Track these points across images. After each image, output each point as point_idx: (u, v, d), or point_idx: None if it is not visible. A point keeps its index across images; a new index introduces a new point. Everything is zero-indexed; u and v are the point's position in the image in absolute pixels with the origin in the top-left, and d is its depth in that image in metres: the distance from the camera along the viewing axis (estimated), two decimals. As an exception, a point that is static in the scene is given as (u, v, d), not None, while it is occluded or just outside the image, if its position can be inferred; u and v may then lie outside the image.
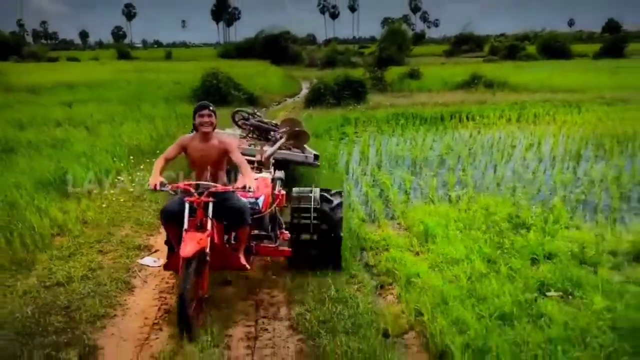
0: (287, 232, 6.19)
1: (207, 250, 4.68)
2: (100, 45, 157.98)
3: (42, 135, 12.91)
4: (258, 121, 10.05)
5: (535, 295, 4.93)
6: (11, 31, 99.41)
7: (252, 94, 22.17)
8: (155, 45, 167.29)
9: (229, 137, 6.03)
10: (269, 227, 6.10)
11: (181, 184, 5.09)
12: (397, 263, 5.89)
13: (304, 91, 27.78)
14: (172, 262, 4.95)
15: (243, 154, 5.71)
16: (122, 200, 8.46)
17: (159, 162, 5.17)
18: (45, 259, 6.12)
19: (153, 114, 16.49)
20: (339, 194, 6.17)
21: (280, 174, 7.08)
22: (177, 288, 4.48)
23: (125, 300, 5.23)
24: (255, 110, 11.19)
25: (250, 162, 6.76)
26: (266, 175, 6.71)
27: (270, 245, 5.95)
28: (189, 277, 4.42)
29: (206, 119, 5.15)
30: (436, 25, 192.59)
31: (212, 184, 5.08)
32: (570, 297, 4.97)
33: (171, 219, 4.99)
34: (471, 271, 5.47)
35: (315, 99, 20.88)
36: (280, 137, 9.05)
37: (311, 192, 6.01)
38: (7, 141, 12.22)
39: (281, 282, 5.68)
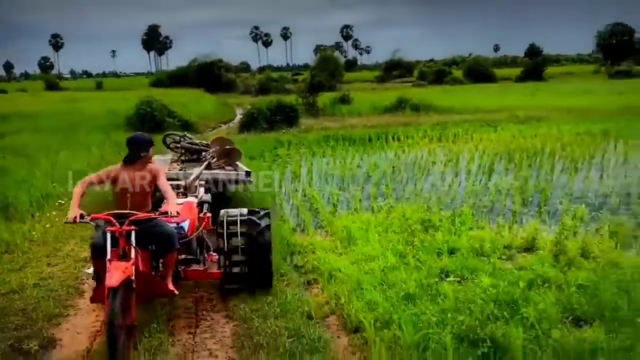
0: (215, 254, 6.18)
1: (133, 278, 4.63)
2: (26, 76, 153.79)
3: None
4: (189, 143, 10.28)
5: (436, 280, 5.79)
6: None
7: (187, 121, 22.72)
8: (85, 76, 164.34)
9: (157, 163, 6.15)
10: (197, 251, 6.13)
11: (101, 215, 5.00)
12: (322, 262, 6.64)
13: (239, 117, 28.46)
14: (98, 293, 4.90)
15: (168, 179, 5.80)
16: (64, 220, 8.89)
17: (78, 191, 5.11)
18: (-4, 272, 6.56)
19: (88, 142, 16.78)
20: (267, 215, 6.14)
21: (207, 197, 7.18)
22: (105, 317, 4.46)
23: (76, 302, 5.76)
24: (185, 133, 11.40)
25: (175, 187, 6.90)
26: (191, 199, 6.74)
27: (198, 269, 5.95)
28: (116, 307, 4.41)
29: (143, 153, 5.20)
30: (368, 52, 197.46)
31: (133, 212, 5.01)
32: (465, 280, 5.85)
33: (98, 251, 4.89)
34: (384, 264, 6.29)
35: (249, 123, 21.66)
36: (211, 157, 9.39)
37: (238, 215, 5.97)
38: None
39: (217, 282, 6.27)
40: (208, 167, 9.11)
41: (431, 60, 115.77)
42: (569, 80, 56.91)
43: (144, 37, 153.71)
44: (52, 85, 71.57)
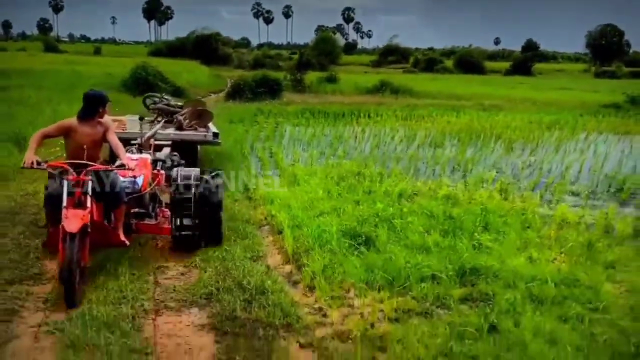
0: (167, 210, 6.50)
1: (88, 226, 4.94)
2: (23, 36, 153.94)
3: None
4: (165, 104, 10.71)
5: (346, 205, 7.71)
6: None
7: (179, 87, 24.44)
8: (83, 40, 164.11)
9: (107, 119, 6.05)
10: (149, 206, 6.39)
11: (58, 162, 5.31)
12: (268, 194, 8.53)
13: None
14: (51, 239, 5.25)
15: (126, 138, 6.60)
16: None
17: (35, 139, 5.40)
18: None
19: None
20: (219, 175, 6.52)
21: (161, 154, 7.60)
22: (61, 260, 4.81)
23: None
24: (163, 95, 11.93)
25: (131, 143, 7.29)
26: (146, 156, 6.91)
27: (150, 223, 6.29)
28: (73, 250, 4.73)
29: (98, 110, 5.50)
30: (369, 37, 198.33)
31: (90, 162, 5.28)
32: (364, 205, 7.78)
33: (55, 203, 5.14)
34: (314, 196, 8.19)
35: (235, 93, 23.53)
36: (184, 119, 9.90)
37: (191, 173, 6.28)
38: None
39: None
40: (180, 127, 9.70)
41: (430, 49, 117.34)
42: (555, 77, 58.71)
43: (145, 6, 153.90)
44: (51, 47, 72.47)
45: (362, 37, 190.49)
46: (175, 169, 6.58)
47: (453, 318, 4.79)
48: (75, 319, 4.52)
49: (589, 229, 7.48)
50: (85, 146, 5.37)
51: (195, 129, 9.96)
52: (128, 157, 5.68)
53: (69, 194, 5.03)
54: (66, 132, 5.49)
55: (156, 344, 4.31)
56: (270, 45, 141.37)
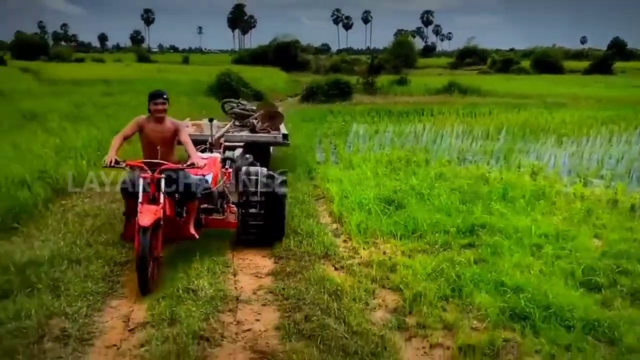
0: (234, 206, 6.94)
1: (161, 220, 5.38)
2: (117, 48, 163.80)
3: (99, 114, 17.35)
4: (241, 109, 11.42)
5: (388, 181, 9.30)
6: (33, 32, 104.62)
7: (259, 92, 26.65)
8: (172, 50, 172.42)
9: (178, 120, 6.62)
10: (218, 202, 6.77)
11: (135, 162, 5.68)
12: (327, 175, 10.25)
13: (305, 92, 32.28)
14: (128, 232, 5.71)
15: (197, 139, 7.12)
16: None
17: (116, 140, 5.83)
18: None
19: (177, 102, 20.95)
20: (284, 174, 7.04)
21: (230, 154, 8.05)
22: (137, 251, 5.15)
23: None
24: (240, 100, 12.54)
25: (203, 142, 8.02)
26: (216, 154, 7.41)
27: (218, 218, 6.70)
28: (147, 242, 5.09)
29: (160, 106, 5.89)
30: (449, 39, 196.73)
31: (164, 161, 5.66)
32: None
33: (129, 194, 5.63)
34: (363, 176, 9.85)
35: (309, 96, 25.50)
36: (257, 122, 10.76)
37: (257, 172, 6.74)
38: (76, 113, 16.73)
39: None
40: (253, 130, 10.46)
41: (511, 50, 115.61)
42: (637, 76, 57.17)
43: (230, 16, 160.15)
44: (143, 57, 77.83)
45: (441, 40, 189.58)
46: (243, 167, 7.06)
47: (452, 255, 6.33)
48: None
49: (595, 202, 8.72)
50: (158, 145, 5.81)
51: (268, 131, 10.68)
52: (198, 156, 6.09)
53: (144, 190, 5.45)
54: (140, 129, 5.93)
55: (233, 263, 6.15)
56: (349, 50, 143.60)
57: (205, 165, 6.21)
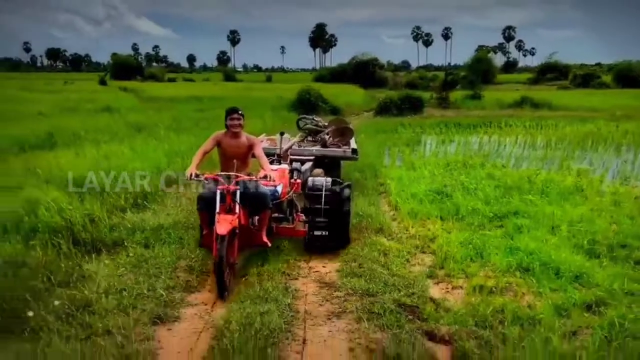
0: (302, 215, 7.35)
1: (237, 229, 5.78)
2: (205, 68, 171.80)
3: (194, 126, 19.70)
4: (314, 125, 11.96)
5: (445, 178, 10.81)
6: (128, 54, 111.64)
7: (336, 107, 28.61)
8: (255, 70, 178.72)
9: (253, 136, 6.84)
10: (287, 211, 7.24)
11: (212, 175, 6.14)
12: (390, 175, 11.85)
13: (381, 107, 33.96)
14: (206, 240, 6.14)
15: (267, 151, 7.58)
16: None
17: (197, 156, 6.32)
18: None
19: (262, 115, 23.19)
20: (348, 186, 7.46)
21: (297, 165, 8.39)
22: (214, 258, 5.61)
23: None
24: (314, 116, 13.08)
25: (272, 154, 8.51)
26: (284, 166, 7.79)
27: (288, 226, 7.14)
28: (224, 249, 5.47)
29: (236, 122, 6.33)
30: (532, 54, 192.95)
31: (238, 174, 6.07)
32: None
33: (206, 206, 6.01)
34: (420, 175, 11.40)
35: (383, 110, 27.18)
36: (328, 137, 11.27)
37: (323, 183, 7.20)
38: (176, 125, 19.17)
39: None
40: (324, 145, 10.90)
41: (597, 64, 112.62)
42: None
43: (311, 35, 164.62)
44: (229, 76, 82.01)
45: (524, 55, 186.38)
46: (310, 179, 7.53)
47: (484, 231, 7.82)
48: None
49: (625, 196, 9.88)
50: (234, 158, 6.25)
51: (338, 146, 11.11)
52: (271, 169, 6.41)
53: (221, 201, 5.87)
54: (218, 143, 6.39)
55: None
56: (429, 67, 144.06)
57: (275, 177, 6.60)
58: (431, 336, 4.94)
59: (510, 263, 6.48)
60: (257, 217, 6.40)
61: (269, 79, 79.26)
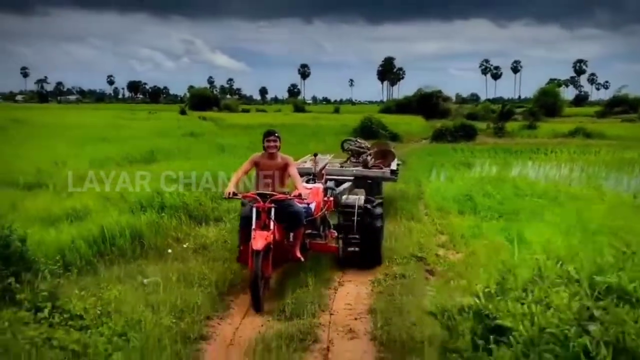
0: (334, 231, 7.62)
1: (272, 244, 6.00)
2: (276, 100, 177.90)
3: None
4: (357, 146, 12.66)
5: (470, 193, 13.13)
6: (204, 87, 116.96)
7: (396, 134, 31.21)
8: (324, 102, 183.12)
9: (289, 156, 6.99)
10: (320, 228, 7.46)
11: (249, 194, 6.43)
12: (431, 186, 14.23)
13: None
14: (242, 255, 6.39)
15: (300, 171, 7.72)
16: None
17: (236, 175, 6.69)
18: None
19: (325, 141, 26.01)
20: (381, 205, 8.02)
21: (331, 184, 8.81)
22: (250, 272, 5.89)
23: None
24: (357, 139, 14.02)
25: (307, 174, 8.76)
26: (319, 185, 8.03)
27: (320, 242, 7.38)
28: (259, 264, 5.73)
29: (272, 143, 6.66)
30: (606, 88, 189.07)
31: (273, 192, 6.30)
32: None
33: (246, 223, 6.26)
34: (454, 186, 13.74)
35: (438, 137, 29.63)
36: (371, 158, 11.75)
37: (355, 202, 7.70)
38: (252, 147, 22.17)
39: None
40: (365, 166, 11.39)
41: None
42: None
43: (380, 69, 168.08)
44: (299, 108, 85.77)
45: (597, 89, 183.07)
46: (344, 196, 8.03)
47: (491, 221, 10.14)
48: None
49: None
50: (270, 178, 6.58)
51: (380, 167, 11.58)
52: (304, 187, 6.68)
53: (257, 218, 6.11)
54: (256, 164, 6.78)
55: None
56: (498, 100, 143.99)
57: (308, 195, 6.91)
58: (430, 272, 7.41)
59: (505, 235, 8.74)
60: (291, 234, 6.68)
61: (336, 110, 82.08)
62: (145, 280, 6.26)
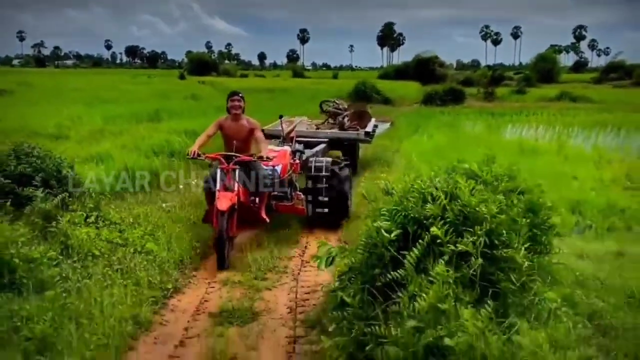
0: (301, 193, 7.66)
1: (236, 205, 6.16)
2: (274, 66, 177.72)
3: (268, 109, 24.06)
4: (334, 108, 12.61)
5: (442, 147, 14.69)
6: (202, 52, 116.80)
7: (388, 98, 32.62)
8: (324, 68, 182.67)
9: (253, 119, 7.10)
10: (287, 190, 7.50)
11: (212, 155, 6.50)
12: (410, 140, 15.77)
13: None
14: (208, 215, 6.46)
15: (270, 133, 8.49)
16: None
17: (200, 138, 6.77)
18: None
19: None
20: (347, 166, 8.05)
21: (299, 146, 8.92)
22: (215, 232, 6.14)
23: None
24: (336, 100, 13.78)
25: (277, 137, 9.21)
26: (286, 148, 8.15)
27: (287, 204, 7.44)
28: (224, 224, 5.90)
29: (236, 103, 6.74)
30: (606, 54, 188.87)
31: (238, 154, 6.41)
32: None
33: (210, 185, 6.45)
34: (429, 141, 15.28)
35: (428, 100, 31.11)
36: (347, 120, 11.97)
37: (323, 164, 7.65)
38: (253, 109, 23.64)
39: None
40: (341, 127, 11.60)
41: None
42: None
43: (379, 34, 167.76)
44: (298, 73, 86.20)
45: (598, 55, 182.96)
46: (311, 159, 8.01)
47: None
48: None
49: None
50: (235, 140, 6.62)
51: (356, 129, 11.76)
52: (270, 150, 6.85)
53: (221, 179, 6.23)
54: (220, 128, 6.86)
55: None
56: (499, 66, 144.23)
57: (275, 157, 7.03)
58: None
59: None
60: (256, 195, 6.79)
61: (335, 76, 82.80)
62: (164, 204, 7.85)
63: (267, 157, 6.55)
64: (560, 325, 3.71)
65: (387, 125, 21.58)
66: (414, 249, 3.56)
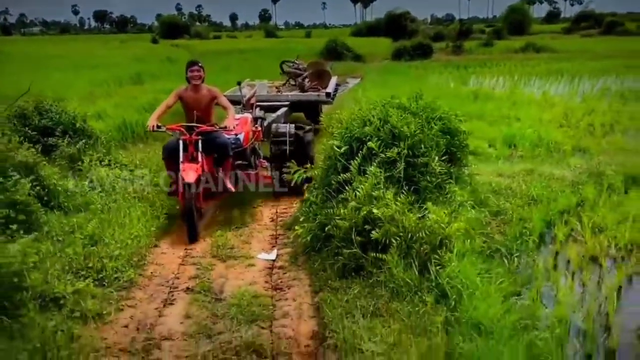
0: (265, 161, 7.67)
1: (202, 176, 6.12)
2: (247, 26, 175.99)
3: (241, 70, 25.17)
4: (294, 68, 12.28)
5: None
6: (172, 14, 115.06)
7: (359, 55, 33.75)
8: (297, 27, 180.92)
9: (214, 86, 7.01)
10: (250, 158, 7.48)
11: (174, 125, 6.43)
12: (372, 89, 17.17)
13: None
14: (174, 189, 6.33)
15: (231, 99, 7.44)
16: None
17: (158, 109, 6.67)
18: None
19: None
20: (310, 130, 7.73)
21: (260, 113, 8.62)
22: (183, 205, 6.14)
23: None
24: (296, 60, 13.63)
25: (236, 103, 8.38)
26: (247, 115, 7.95)
27: (251, 173, 7.27)
28: (192, 196, 5.87)
29: (196, 73, 6.64)
30: (580, 3, 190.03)
31: (199, 124, 6.34)
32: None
33: (170, 155, 6.33)
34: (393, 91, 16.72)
35: (397, 55, 32.45)
36: (307, 81, 11.51)
37: (286, 130, 7.40)
38: (227, 69, 24.75)
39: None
40: (302, 89, 11.13)
41: (629, 13, 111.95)
42: None
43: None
44: (271, 33, 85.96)
45: (572, 5, 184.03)
46: (273, 125, 7.78)
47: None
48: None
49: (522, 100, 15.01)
50: (196, 110, 6.54)
51: (317, 90, 11.35)
52: (233, 120, 6.61)
53: (184, 150, 6.15)
54: (180, 98, 6.69)
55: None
56: (473, 20, 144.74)
57: (236, 126, 6.80)
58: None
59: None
60: (220, 165, 6.72)
61: (308, 35, 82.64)
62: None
63: (229, 127, 6.54)
64: (464, 211, 5.28)
65: (358, 80, 22.95)
66: (357, 158, 5.08)
